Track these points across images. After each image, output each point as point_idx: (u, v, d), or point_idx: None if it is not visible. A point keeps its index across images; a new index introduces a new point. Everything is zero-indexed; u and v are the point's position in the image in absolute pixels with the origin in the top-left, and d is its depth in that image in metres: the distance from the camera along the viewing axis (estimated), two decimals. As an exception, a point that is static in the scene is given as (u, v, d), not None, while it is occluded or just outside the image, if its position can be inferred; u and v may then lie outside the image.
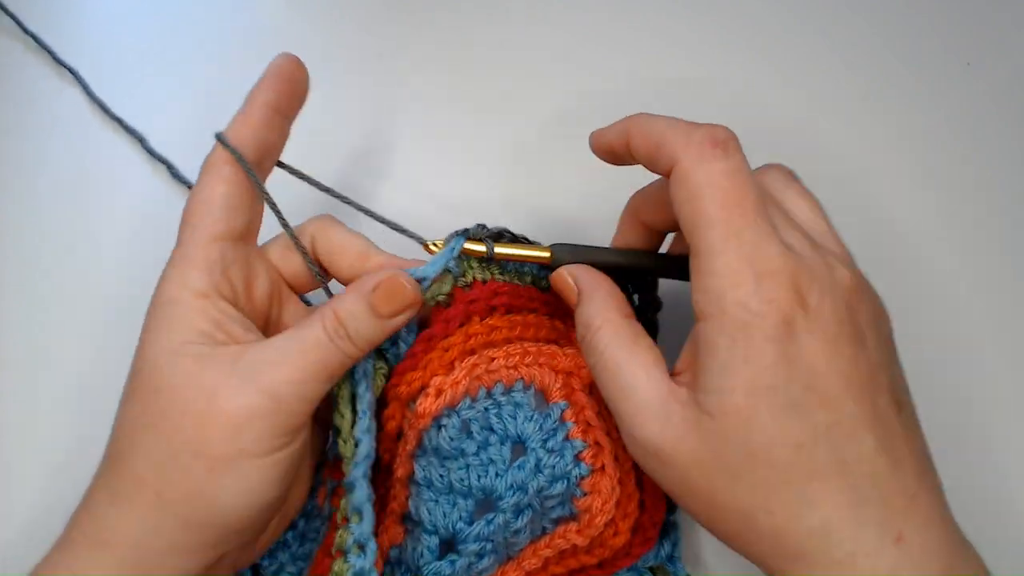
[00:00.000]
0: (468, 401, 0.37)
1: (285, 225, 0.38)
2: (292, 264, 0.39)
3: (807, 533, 0.30)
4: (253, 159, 0.36)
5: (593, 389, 0.38)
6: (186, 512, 0.32)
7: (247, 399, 0.32)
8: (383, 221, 0.39)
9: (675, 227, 0.39)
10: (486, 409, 0.36)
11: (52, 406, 0.46)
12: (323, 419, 0.39)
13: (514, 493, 0.35)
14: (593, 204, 0.46)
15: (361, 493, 0.34)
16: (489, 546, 0.36)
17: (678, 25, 0.57)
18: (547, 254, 0.38)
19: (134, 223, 0.50)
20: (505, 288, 0.39)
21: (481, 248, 0.38)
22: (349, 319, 0.34)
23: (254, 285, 0.37)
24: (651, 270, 0.40)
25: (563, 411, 0.37)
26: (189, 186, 0.50)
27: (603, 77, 0.55)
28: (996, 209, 0.52)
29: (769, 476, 0.31)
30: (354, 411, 0.36)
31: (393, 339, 0.38)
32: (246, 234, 0.37)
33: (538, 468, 0.35)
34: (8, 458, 0.45)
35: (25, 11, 0.55)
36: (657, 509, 0.38)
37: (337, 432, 0.36)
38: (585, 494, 0.36)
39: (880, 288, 0.50)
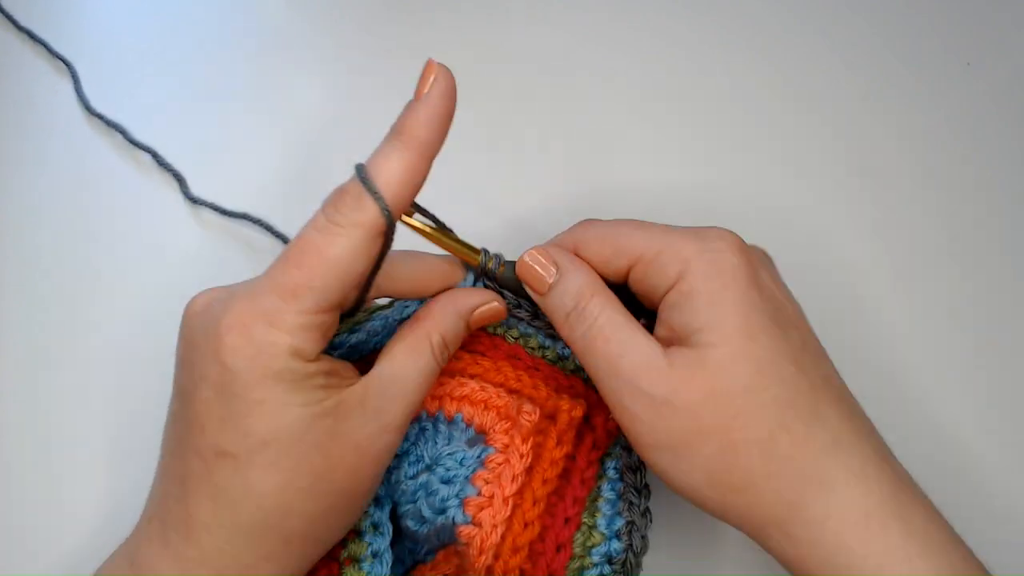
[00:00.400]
0: (425, 414, 0.38)
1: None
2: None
3: (822, 450, 0.32)
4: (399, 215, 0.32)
5: (543, 446, 0.37)
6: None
7: (385, 441, 0.33)
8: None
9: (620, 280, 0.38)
10: (421, 429, 0.38)
11: (52, 406, 0.46)
12: None
13: (406, 504, 0.36)
14: (592, 206, 0.46)
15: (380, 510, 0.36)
16: (402, 550, 0.37)
17: (678, 25, 0.56)
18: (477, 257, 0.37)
19: (132, 220, 0.50)
20: (511, 348, 0.40)
21: (417, 223, 0.36)
22: (452, 338, 0.36)
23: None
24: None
25: (487, 456, 0.37)
26: (177, 176, 0.50)
27: (603, 77, 0.55)
28: (996, 209, 0.52)
29: (780, 394, 0.32)
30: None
31: None
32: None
33: (427, 493, 0.36)
34: (8, 458, 0.45)
35: (23, 12, 0.55)
36: None
37: None
38: (461, 543, 0.36)
39: (879, 288, 0.50)
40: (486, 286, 0.38)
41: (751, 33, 0.56)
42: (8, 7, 0.54)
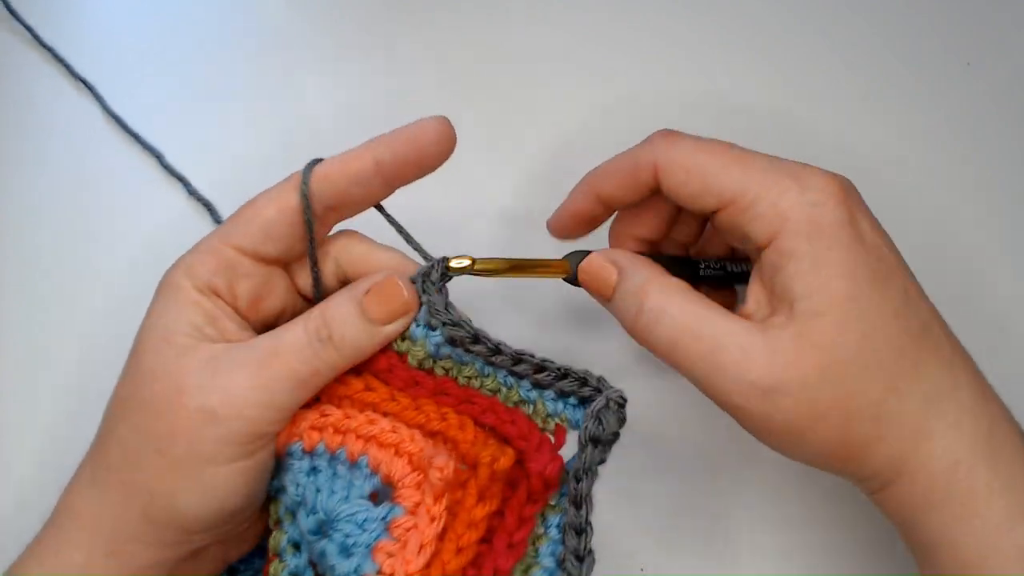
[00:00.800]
0: (300, 448, 0.33)
1: (312, 251, 0.35)
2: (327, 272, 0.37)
3: (923, 403, 0.32)
4: (326, 203, 0.34)
5: (460, 503, 0.31)
6: (146, 506, 0.31)
7: (206, 400, 0.31)
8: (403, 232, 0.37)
9: (634, 202, 0.37)
10: (313, 469, 0.32)
11: (52, 406, 0.46)
12: None
13: (311, 539, 0.32)
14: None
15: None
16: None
17: (678, 25, 0.56)
18: (562, 267, 0.36)
19: (132, 220, 0.50)
20: (451, 386, 0.34)
21: (465, 263, 0.34)
22: (335, 321, 0.32)
23: (262, 302, 0.35)
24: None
25: (393, 518, 0.31)
26: (180, 178, 0.50)
27: (603, 77, 0.55)
28: (996, 209, 0.52)
29: (887, 356, 0.31)
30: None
31: None
32: (274, 261, 0.35)
33: (322, 554, 0.31)
34: (8, 458, 0.45)
35: (25, 8, 0.55)
36: None
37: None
38: None
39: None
40: (449, 322, 0.33)
41: (751, 33, 0.56)
42: (11, 5, 0.54)
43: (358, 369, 0.34)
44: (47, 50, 0.53)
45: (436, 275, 0.34)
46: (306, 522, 0.31)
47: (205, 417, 0.31)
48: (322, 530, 0.31)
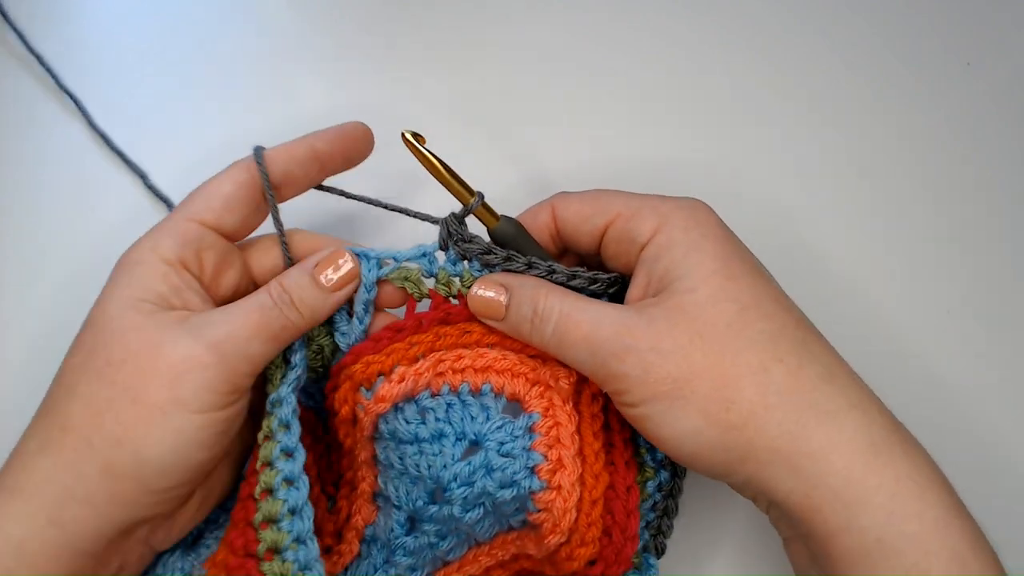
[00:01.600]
0: (428, 394, 0.37)
1: (277, 222, 0.39)
2: (265, 264, 0.40)
3: (819, 378, 0.33)
4: (273, 180, 0.38)
5: (580, 405, 0.38)
6: (111, 458, 0.33)
7: (189, 350, 0.33)
8: (399, 210, 0.41)
9: (592, 252, 0.40)
10: (448, 405, 0.36)
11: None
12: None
13: (459, 487, 0.35)
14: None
15: (288, 408, 0.35)
16: (445, 529, 0.36)
17: (678, 25, 0.56)
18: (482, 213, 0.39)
19: (133, 218, 0.50)
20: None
21: (420, 150, 0.38)
22: (293, 287, 0.36)
23: (223, 274, 0.38)
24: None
25: (534, 423, 0.36)
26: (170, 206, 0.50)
27: (602, 78, 0.55)
28: (996, 209, 0.52)
29: (766, 328, 0.34)
30: (286, 360, 0.37)
31: (347, 318, 0.39)
32: (231, 235, 0.38)
33: (488, 469, 0.35)
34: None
35: (22, 16, 0.54)
36: (624, 547, 0.37)
37: (267, 381, 0.37)
38: (539, 510, 0.35)
39: (878, 287, 0.50)
40: (461, 242, 0.38)
41: (751, 33, 0.56)
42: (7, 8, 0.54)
43: (418, 326, 0.38)
44: (51, 75, 0.52)
45: (456, 222, 0.38)
46: (453, 448, 0.35)
47: (189, 364, 0.33)
48: (472, 450, 0.36)
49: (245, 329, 0.35)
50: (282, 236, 0.39)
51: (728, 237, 0.36)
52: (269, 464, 0.34)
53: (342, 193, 0.42)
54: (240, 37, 0.56)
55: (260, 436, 0.36)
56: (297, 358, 0.37)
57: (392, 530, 0.37)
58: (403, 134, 0.38)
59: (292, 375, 0.36)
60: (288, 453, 0.34)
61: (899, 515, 0.31)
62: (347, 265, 0.38)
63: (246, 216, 0.38)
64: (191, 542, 0.39)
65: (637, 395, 0.33)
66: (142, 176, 0.50)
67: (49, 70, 0.52)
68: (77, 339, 0.36)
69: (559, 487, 0.35)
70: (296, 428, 0.35)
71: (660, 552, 0.40)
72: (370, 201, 0.42)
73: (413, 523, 0.37)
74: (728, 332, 0.33)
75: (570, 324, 0.35)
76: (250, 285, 0.40)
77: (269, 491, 0.34)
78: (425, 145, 0.38)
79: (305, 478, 0.34)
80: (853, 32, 0.56)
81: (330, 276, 0.37)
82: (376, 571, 0.37)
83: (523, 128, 0.53)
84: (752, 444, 0.32)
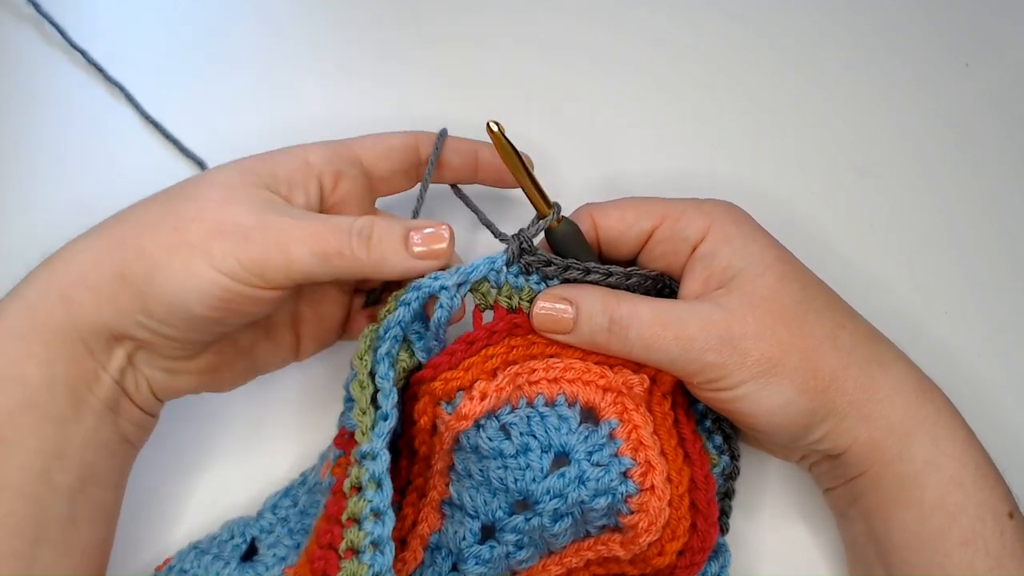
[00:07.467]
0: (508, 408, 0.37)
1: (421, 197, 0.43)
2: (384, 169, 0.41)
3: (871, 338, 0.39)
4: (442, 158, 0.43)
5: (651, 406, 0.38)
6: (128, 263, 0.34)
7: (243, 218, 0.34)
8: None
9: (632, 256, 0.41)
10: (528, 417, 0.36)
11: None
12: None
13: (552, 499, 0.35)
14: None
15: (382, 463, 0.34)
16: (527, 539, 0.36)
17: (678, 25, 0.56)
18: (549, 214, 0.38)
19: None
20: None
21: (508, 147, 0.37)
22: (380, 229, 0.36)
23: (345, 207, 0.40)
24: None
25: (613, 429, 0.37)
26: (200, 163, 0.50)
27: (603, 75, 0.55)
28: (995, 209, 0.52)
29: (824, 301, 0.39)
30: (375, 385, 0.36)
31: (420, 333, 0.38)
32: (375, 183, 0.41)
33: (581, 480, 0.35)
34: None
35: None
36: (708, 534, 0.38)
37: (352, 403, 0.36)
38: (632, 512, 0.36)
39: (878, 286, 0.50)
40: (526, 251, 0.38)
41: (751, 33, 0.56)
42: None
43: (490, 338, 0.38)
44: (96, 68, 0.52)
45: (529, 240, 0.38)
46: (540, 461, 0.36)
47: (234, 228, 0.34)
48: (560, 461, 0.36)
49: (302, 231, 0.35)
50: (419, 204, 0.42)
51: (762, 228, 0.40)
52: (357, 522, 0.34)
53: (459, 195, 0.45)
54: (240, 36, 0.56)
55: (346, 485, 0.35)
56: (388, 406, 0.36)
57: (464, 539, 0.37)
58: (488, 124, 0.37)
59: (385, 427, 0.35)
60: (377, 514, 0.34)
61: (941, 438, 0.37)
62: (441, 245, 0.37)
63: (395, 173, 0.41)
64: (246, 554, 0.41)
65: (736, 378, 0.36)
66: (199, 163, 0.51)
67: (93, 61, 0.52)
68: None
69: (652, 487, 0.36)
70: (388, 488, 0.34)
71: (724, 532, 0.41)
72: (474, 209, 0.44)
73: (487, 532, 0.37)
74: (799, 309, 0.37)
75: (656, 327, 0.36)
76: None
77: (356, 520, 0.34)
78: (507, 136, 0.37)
79: (391, 513, 0.34)
80: (853, 32, 0.57)
81: (419, 243, 0.36)
82: None
83: (526, 127, 0.53)
84: (834, 403, 0.36)
